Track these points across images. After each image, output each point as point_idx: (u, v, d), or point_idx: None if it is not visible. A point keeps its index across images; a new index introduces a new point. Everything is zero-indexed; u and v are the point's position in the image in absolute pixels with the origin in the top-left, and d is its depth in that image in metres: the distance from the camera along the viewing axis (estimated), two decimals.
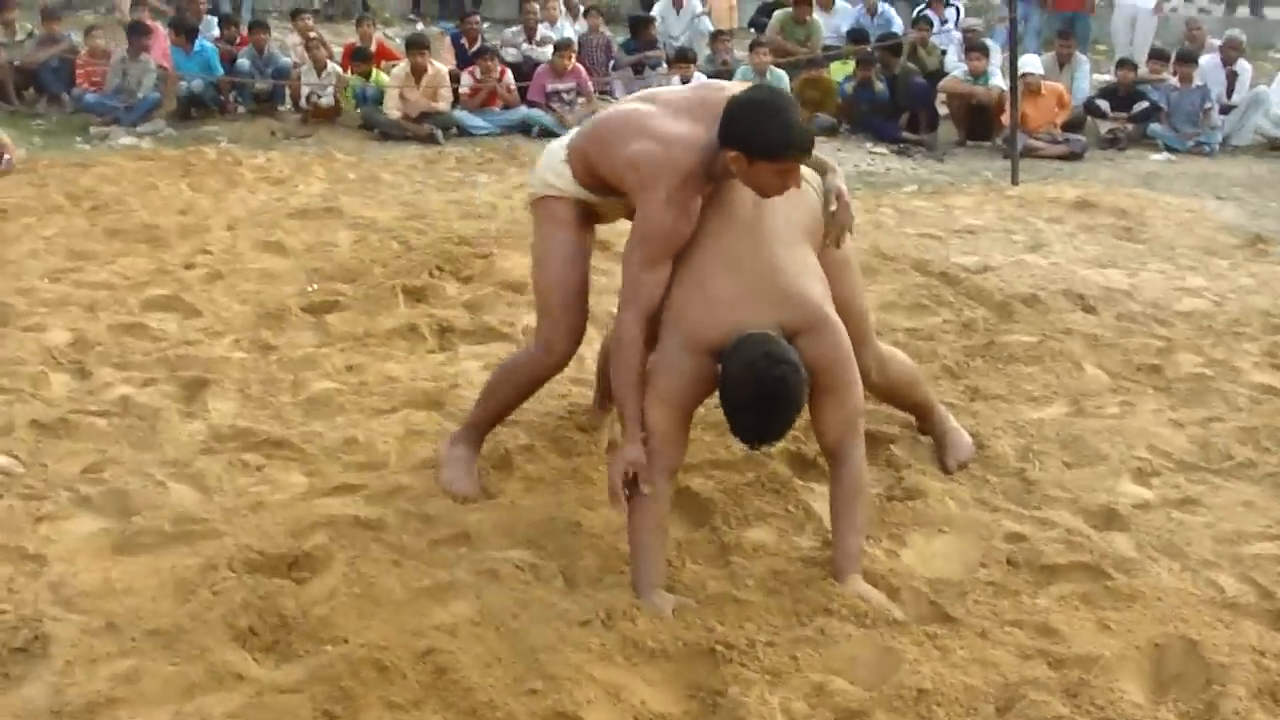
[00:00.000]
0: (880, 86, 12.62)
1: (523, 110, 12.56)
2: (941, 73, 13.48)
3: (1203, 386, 5.46)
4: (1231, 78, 12.72)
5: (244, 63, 12.91)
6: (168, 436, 4.68)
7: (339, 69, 12.84)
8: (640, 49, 14.06)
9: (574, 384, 5.20)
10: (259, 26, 13.29)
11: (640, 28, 14.16)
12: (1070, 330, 6.09)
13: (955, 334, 6.05)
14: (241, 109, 12.89)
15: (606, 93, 13.75)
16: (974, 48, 12.69)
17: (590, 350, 5.55)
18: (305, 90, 12.63)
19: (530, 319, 5.94)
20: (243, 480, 4.35)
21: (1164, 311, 6.57)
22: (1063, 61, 13.05)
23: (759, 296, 3.63)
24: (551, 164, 4.13)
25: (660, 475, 3.66)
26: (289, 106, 12.98)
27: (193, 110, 12.58)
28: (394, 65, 12.80)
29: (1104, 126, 12.49)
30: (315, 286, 6.61)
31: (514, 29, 14.48)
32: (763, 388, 3.42)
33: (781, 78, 12.66)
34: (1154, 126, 12.23)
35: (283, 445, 4.61)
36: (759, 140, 3.50)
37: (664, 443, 3.65)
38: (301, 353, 5.57)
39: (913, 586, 3.73)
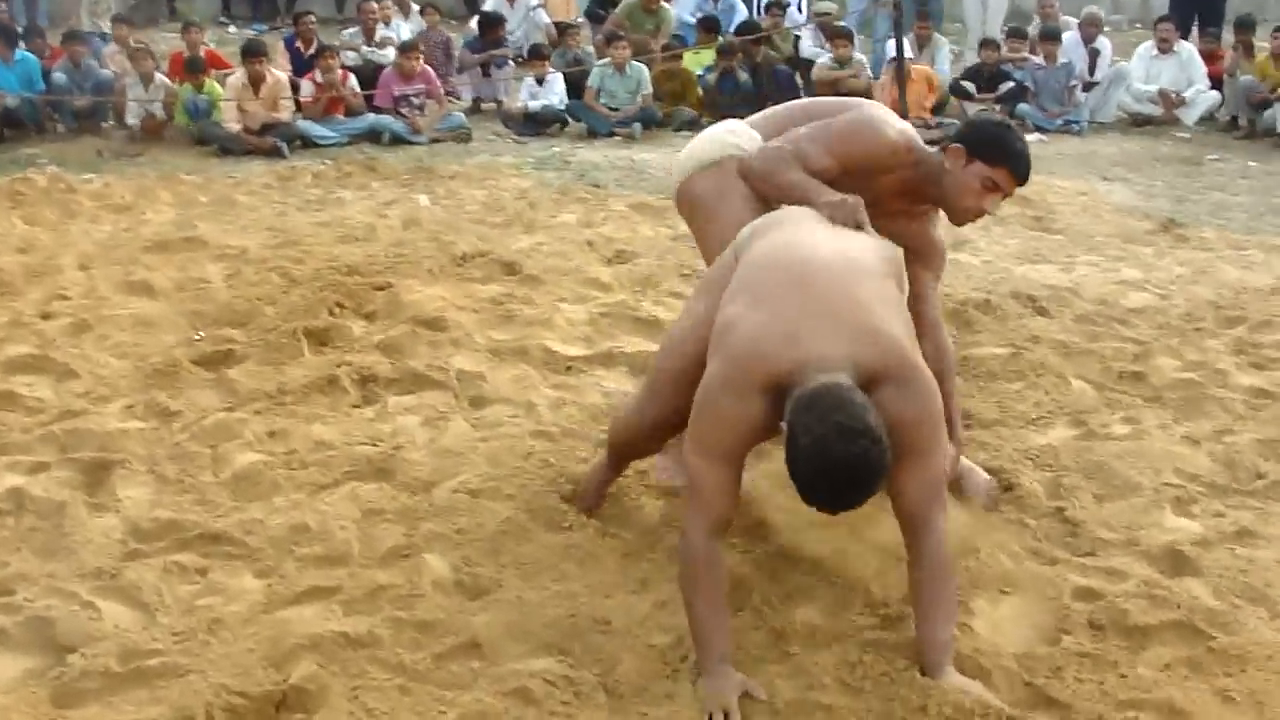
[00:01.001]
0: (744, 76, 12.22)
1: (370, 117, 11.80)
2: (797, 59, 13.16)
3: (1195, 394, 5.12)
4: (1093, 54, 12.63)
5: (60, 76, 11.85)
6: (80, 538, 3.94)
7: (167, 80, 11.89)
8: (486, 48, 13.37)
9: (534, 438, 4.61)
10: (74, 38, 12.25)
11: (488, 27, 13.46)
12: (1037, 338, 5.72)
13: None
14: (61, 127, 11.85)
15: (452, 94, 13.08)
16: (837, 34, 12.38)
17: (540, 397, 4.99)
18: (133, 105, 11.65)
19: (460, 360, 5.35)
20: (185, 590, 3.66)
21: (1116, 309, 6.25)
22: (922, 43, 12.82)
23: (832, 325, 3.12)
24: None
25: (709, 534, 3.16)
26: (113, 123, 11.98)
27: (5, 130, 11.52)
28: (227, 74, 11.92)
29: (971, 108, 12.26)
30: (201, 334, 5.86)
31: (351, 30, 13.68)
32: (838, 469, 2.90)
33: (642, 71, 12.16)
34: (1022, 106, 12.04)
35: (220, 540, 3.92)
36: (993, 142, 3.72)
37: (711, 495, 3.15)
38: (211, 419, 4.85)
39: (1002, 666, 3.26)
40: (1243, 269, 7.15)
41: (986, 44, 12.75)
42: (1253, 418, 4.93)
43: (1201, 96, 12.21)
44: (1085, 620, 3.49)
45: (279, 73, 11.83)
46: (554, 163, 10.76)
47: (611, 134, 11.96)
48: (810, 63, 12.84)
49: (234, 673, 3.17)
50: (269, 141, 11.10)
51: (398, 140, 11.56)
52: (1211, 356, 5.59)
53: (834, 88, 11.94)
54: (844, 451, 2.87)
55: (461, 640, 3.37)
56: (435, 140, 11.63)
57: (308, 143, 11.39)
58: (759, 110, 4.47)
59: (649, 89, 12.12)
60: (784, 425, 2.99)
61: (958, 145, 3.74)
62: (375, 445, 4.63)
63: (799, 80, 12.79)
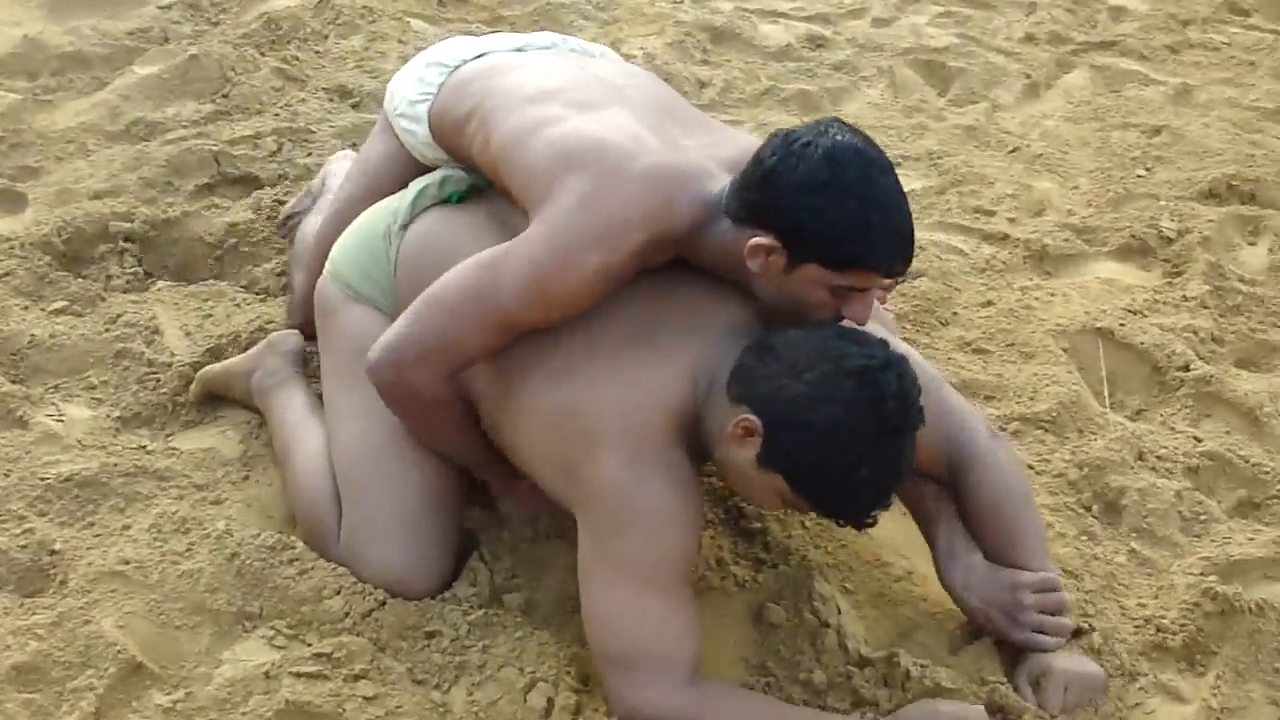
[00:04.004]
0: None
1: None
2: None
3: None
4: None
5: None
6: None
7: None
8: None
9: None
10: None
11: None
12: None
13: None
14: None
15: None
16: None
17: None
18: None
19: None
20: None
21: None
22: None
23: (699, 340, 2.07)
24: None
25: (687, 684, 2.00)
26: None
27: None
28: None
29: None
30: None
31: None
32: (872, 387, 1.84)
33: None
34: None
35: None
36: (829, 229, 1.92)
37: (678, 635, 2.01)
38: None
39: None
40: None
41: None
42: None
43: None
44: None
45: None
46: None
47: None
48: None
49: None
50: None
51: None
52: None
53: None
54: (870, 356, 1.86)
55: (123, 663, 2.07)
56: None
57: None
58: None
59: None
60: (743, 426, 1.90)
61: (760, 238, 1.97)
62: None
63: None
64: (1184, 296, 3.12)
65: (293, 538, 2.31)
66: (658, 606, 1.97)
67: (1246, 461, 2.65)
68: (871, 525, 1.92)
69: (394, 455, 2.27)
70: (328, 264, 2.45)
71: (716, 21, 4.45)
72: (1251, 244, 3.42)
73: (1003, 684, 2.13)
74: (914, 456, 1.90)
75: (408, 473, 2.27)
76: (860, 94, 4.11)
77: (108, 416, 2.63)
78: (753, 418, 1.88)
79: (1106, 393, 2.71)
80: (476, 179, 2.35)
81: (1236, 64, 4.46)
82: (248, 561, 2.24)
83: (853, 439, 1.83)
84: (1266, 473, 2.63)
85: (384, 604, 2.21)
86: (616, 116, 2.13)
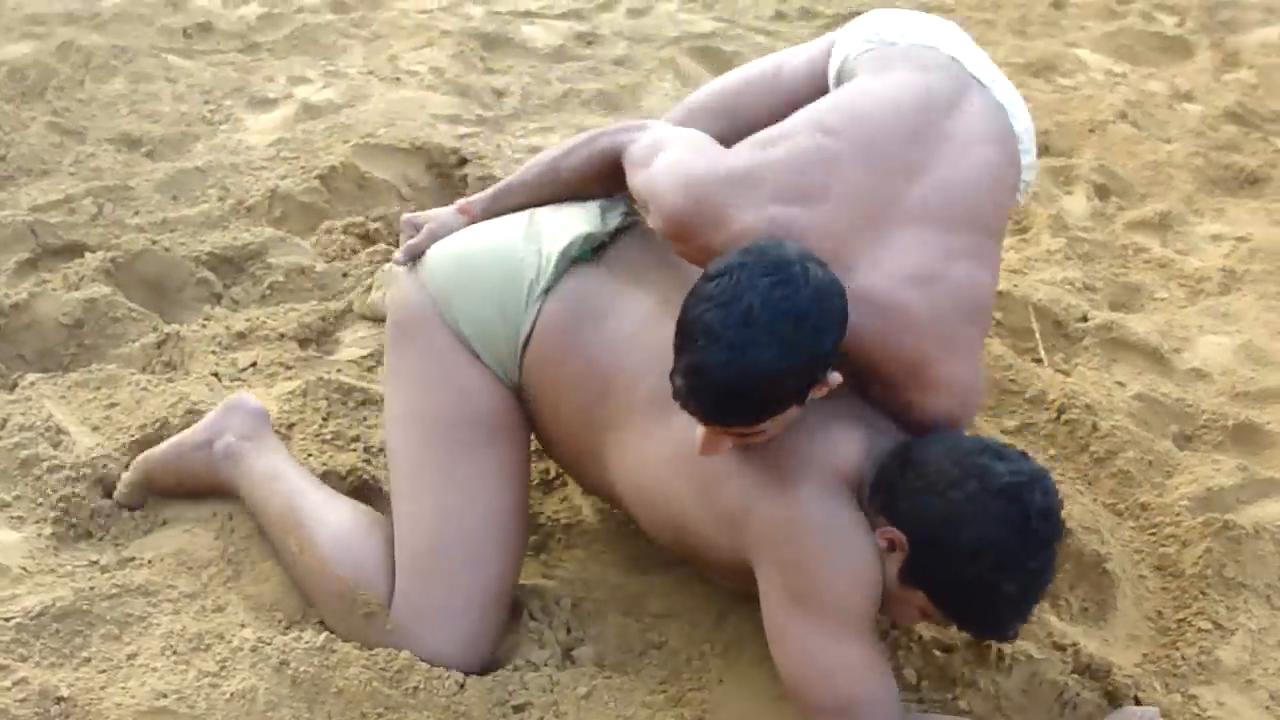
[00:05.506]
0: None
1: None
2: None
3: None
4: None
5: None
6: None
7: None
8: None
9: None
10: None
11: None
12: None
13: None
14: None
15: None
16: None
17: None
18: None
19: None
20: None
21: None
22: None
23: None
24: None
25: None
26: None
27: None
28: None
29: None
30: None
31: None
32: (1019, 506, 1.82)
33: None
34: None
35: None
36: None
37: (883, 677, 1.95)
38: None
39: None
40: None
41: None
42: None
43: None
44: None
45: None
46: None
47: None
48: None
49: None
50: None
51: None
52: None
53: None
54: (1019, 474, 1.84)
55: None
56: None
57: None
58: None
59: None
60: (887, 538, 1.88)
61: (891, 532, 1.90)
62: None
63: None
64: (1047, 251, 3.27)
65: (333, 637, 2.12)
66: (863, 651, 1.92)
67: (1169, 398, 2.82)
68: (1013, 639, 1.94)
69: (487, 537, 2.14)
70: (434, 287, 2.18)
71: (485, 28, 4.36)
72: (1069, 193, 3.63)
73: (1075, 644, 2.21)
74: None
75: (499, 556, 2.15)
76: (654, 87, 4.13)
77: (39, 535, 2.33)
78: (897, 532, 1.86)
79: (1042, 350, 2.82)
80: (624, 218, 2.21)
81: (975, 23, 4.72)
82: (300, 669, 2.04)
83: (999, 559, 1.81)
84: (1189, 406, 2.80)
85: (463, 686, 2.06)
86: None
